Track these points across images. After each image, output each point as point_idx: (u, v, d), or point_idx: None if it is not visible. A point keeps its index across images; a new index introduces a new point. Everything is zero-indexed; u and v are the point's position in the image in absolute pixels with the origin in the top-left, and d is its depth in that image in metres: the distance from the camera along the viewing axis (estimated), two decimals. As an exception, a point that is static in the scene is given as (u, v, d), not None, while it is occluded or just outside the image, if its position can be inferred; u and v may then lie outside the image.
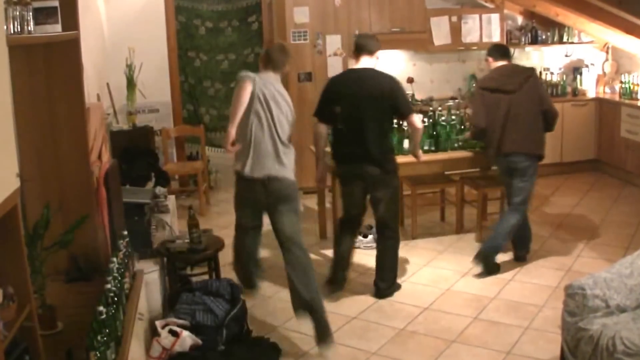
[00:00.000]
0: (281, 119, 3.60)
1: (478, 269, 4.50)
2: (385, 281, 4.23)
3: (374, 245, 5.04)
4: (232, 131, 3.47)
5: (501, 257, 4.76)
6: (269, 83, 3.61)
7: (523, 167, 4.36)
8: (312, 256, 4.94)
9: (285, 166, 3.60)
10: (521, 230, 4.55)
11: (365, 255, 4.96)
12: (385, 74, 3.98)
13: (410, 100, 3.98)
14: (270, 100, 3.55)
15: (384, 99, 3.88)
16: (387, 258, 4.21)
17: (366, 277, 4.56)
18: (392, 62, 7.04)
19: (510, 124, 4.34)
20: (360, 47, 3.97)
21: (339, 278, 4.31)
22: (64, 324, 2.46)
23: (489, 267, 4.48)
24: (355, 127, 3.90)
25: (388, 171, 3.98)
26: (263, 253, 4.59)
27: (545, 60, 7.53)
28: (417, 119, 4.04)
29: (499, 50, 4.61)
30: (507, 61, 4.57)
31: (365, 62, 3.98)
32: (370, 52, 3.96)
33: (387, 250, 4.20)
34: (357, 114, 3.88)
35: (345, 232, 4.26)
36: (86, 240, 2.88)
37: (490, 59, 4.58)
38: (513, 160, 4.37)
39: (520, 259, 4.70)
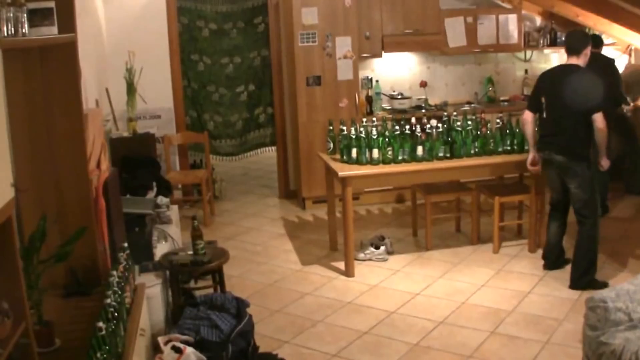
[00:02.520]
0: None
1: None
2: (576, 270, 4.38)
3: (386, 257, 4.93)
4: None
5: (520, 269, 4.68)
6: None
7: None
8: (321, 269, 4.86)
9: None
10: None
11: (377, 268, 4.83)
12: (585, 71, 4.32)
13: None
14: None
15: (581, 93, 4.23)
16: (580, 245, 4.40)
17: (375, 291, 4.44)
18: (405, 65, 6.94)
19: None
20: (566, 48, 4.39)
21: (549, 263, 4.65)
22: (62, 341, 2.42)
23: None
24: (554, 117, 4.34)
25: (576, 159, 4.26)
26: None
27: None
28: (600, 118, 4.21)
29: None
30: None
31: (571, 60, 4.36)
32: (576, 52, 4.31)
33: (581, 237, 4.40)
34: (556, 105, 4.32)
35: (553, 217, 4.63)
36: (85, 253, 2.85)
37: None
38: None
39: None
